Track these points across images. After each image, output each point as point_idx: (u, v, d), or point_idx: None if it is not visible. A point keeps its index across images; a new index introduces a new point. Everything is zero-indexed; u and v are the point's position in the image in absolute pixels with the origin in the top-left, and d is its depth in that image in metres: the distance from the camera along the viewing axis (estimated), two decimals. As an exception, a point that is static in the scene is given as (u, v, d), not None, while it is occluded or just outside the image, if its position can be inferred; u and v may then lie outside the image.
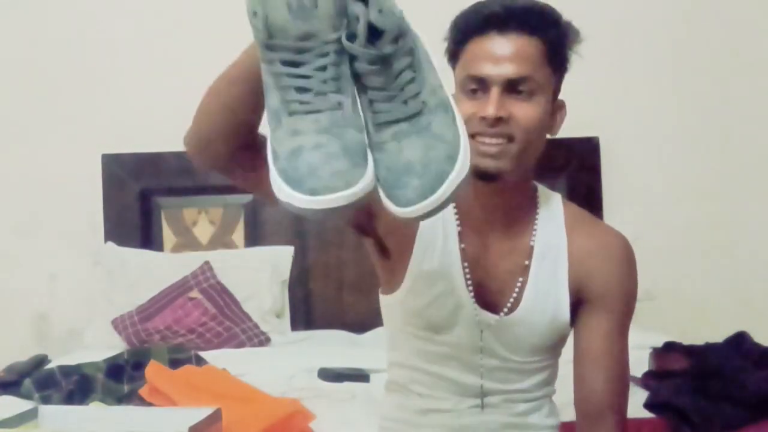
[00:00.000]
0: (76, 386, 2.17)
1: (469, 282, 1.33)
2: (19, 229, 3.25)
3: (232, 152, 1.14)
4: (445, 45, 1.33)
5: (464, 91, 1.28)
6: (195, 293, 2.90)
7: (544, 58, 1.27)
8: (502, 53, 1.25)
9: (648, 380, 2.20)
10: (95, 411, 1.64)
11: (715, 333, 2.49)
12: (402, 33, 0.94)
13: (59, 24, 3.25)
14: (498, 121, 1.24)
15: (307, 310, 3.17)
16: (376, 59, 0.92)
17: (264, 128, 1.16)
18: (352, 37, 0.92)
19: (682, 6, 3.29)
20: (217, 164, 1.17)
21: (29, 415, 1.34)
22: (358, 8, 0.91)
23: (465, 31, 1.28)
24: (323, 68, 0.91)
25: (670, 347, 2.45)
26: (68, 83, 3.25)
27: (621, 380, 1.35)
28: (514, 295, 1.34)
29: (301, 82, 0.91)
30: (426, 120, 0.94)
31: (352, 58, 0.93)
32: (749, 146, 3.30)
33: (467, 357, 1.36)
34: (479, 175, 1.26)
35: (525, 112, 1.26)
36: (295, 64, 0.92)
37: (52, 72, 3.25)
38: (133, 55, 3.25)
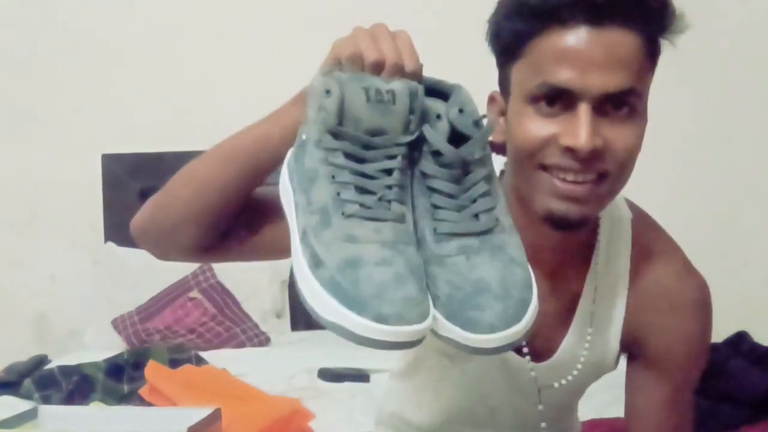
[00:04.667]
0: (76, 386, 2.17)
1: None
2: (19, 229, 3.25)
3: (203, 237, 0.97)
4: (490, 28, 1.02)
5: (533, 102, 0.96)
6: (195, 293, 2.90)
7: (647, 58, 0.97)
8: (598, 56, 0.92)
9: (648, 380, 2.20)
10: (95, 411, 1.63)
11: (715, 333, 2.48)
12: (484, 141, 0.83)
13: (59, 24, 3.25)
14: (591, 154, 0.93)
15: (307, 310, 3.16)
16: (454, 162, 0.81)
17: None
18: (421, 141, 0.82)
19: (683, 6, 3.29)
20: (179, 252, 1.00)
21: (29, 415, 1.34)
22: (438, 105, 0.83)
23: (538, 18, 0.95)
24: (389, 172, 0.80)
25: (670, 347, 2.45)
26: (68, 83, 3.25)
27: None
28: (556, 341, 1.12)
29: (363, 182, 0.79)
30: (499, 239, 0.80)
31: (419, 157, 0.82)
32: (749, 146, 3.30)
33: (482, 390, 1.19)
34: (553, 221, 0.98)
35: (625, 138, 0.95)
36: (358, 160, 0.80)
37: (52, 72, 3.25)
38: (133, 55, 3.25)
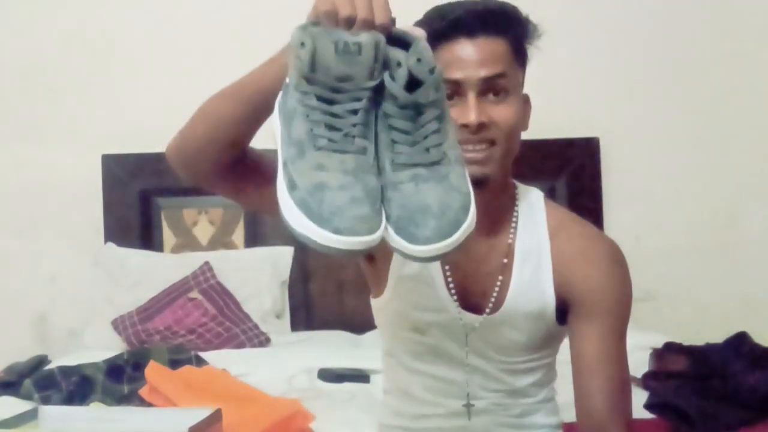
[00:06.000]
0: (76, 387, 2.18)
1: (451, 284, 1.33)
2: (19, 229, 3.24)
3: (219, 166, 1.16)
4: None
5: None
6: (195, 294, 2.90)
7: (512, 56, 1.28)
8: (474, 57, 1.25)
9: (648, 381, 2.20)
10: (95, 411, 1.63)
11: (715, 333, 2.49)
12: (437, 86, 0.98)
13: (60, 24, 3.25)
14: (480, 127, 1.24)
15: (307, 311, 3.17)
16: (409, 104, 0.96)
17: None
18: (384, 85, 0.96)
19: (683, 6, 3.29)
20: (202, 177, 1.19)
21: (29, 416, 1.34)
22: (400, 55, 0.97)
23: (433, 39, 1.26)
24: (354, 112, 0.95)
25: (670, 348, 2.45)
26: (68, 83, 3.25)
27: (621, 391, 1.32)
28: (495, 294, 1.33)
29: (331, 120, 0.95)
30: (445, 170, 0.97)
31: (383, 99, 0.97)
32: (749, 146, 3.30)
33: (454, 358, 1.36)
34: None
35: (503, 113, 1.26)
36: (329, 102, 0.95)
37: (52, 72, 3.25)
38: (133, 56, 3.25)
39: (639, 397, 2.02)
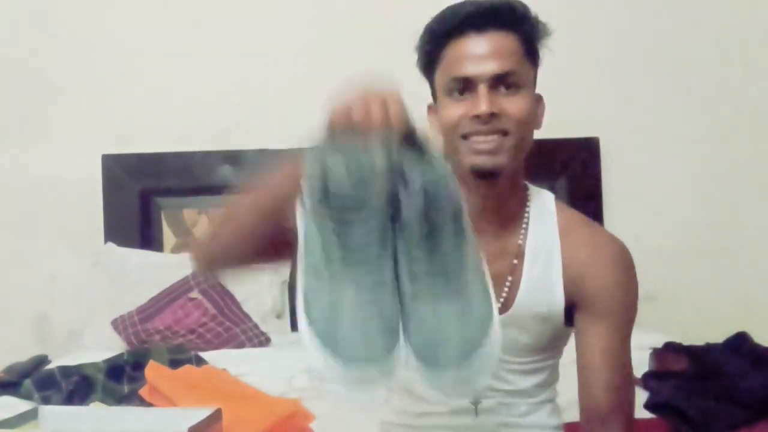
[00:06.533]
0: (76, 387, 2.17)
1: None
2: (19, 229, 3.24)
3: (248, 260, 1.23)
4: (417, 54, 1.36)
5: (449, 95, 1.31)
6: (195, 294, 2.90)
7: (523, 52, 1.30)
8: (484, 51, 1.27)
9: (648, 381, 2.20)
10: (95, 411, 1.63)
11: (715, 333, 2.49)
12: (455, 204, 0.94)
13: (60, 24, 3.25)
14: (491, 117, 1.26)
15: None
16: (425, 229, 0.92)
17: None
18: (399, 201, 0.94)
19: (683, 6, 3.29)
20: (234, 270, 1.31)
21: (29, 416, 1.34)
22: (416, 178, 0.92)
23: (442, 36, 1.30)
24: (369, 231, 0.92)
25: (670, 348, 2.45)
26: (69, 83, 3.25)
27: (624, 389, 1.34)
28: (504, 295, 1.34)
29: (346, 241, 0.92)
30: (466, 297, 0.94)
31: (399, 213, 0.93)
32: (749, 146, 3.30)
33: None
34: (477, 173, 1.28)
35: (514, 105, 1.28)
36: (343, 222, 0.92)
37: (52, 72, 3.25)
38: (133, 55, 3.25)
39: (639, 397, 2.01)
